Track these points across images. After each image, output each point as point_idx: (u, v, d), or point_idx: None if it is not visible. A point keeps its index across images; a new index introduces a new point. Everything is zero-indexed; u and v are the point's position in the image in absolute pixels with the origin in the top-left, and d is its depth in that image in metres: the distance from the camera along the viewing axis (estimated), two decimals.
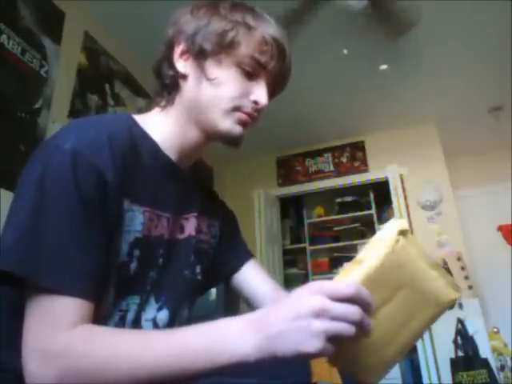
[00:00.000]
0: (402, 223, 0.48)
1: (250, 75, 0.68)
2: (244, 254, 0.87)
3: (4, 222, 0.55)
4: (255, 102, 0.68)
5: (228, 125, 0.67)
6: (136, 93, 2.61)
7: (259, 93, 0.68)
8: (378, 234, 0.50)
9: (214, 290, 2.50)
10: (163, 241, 0.68)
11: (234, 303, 2.83)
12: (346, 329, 0.45)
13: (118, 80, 2.55)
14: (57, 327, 0.50)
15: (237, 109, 0.67)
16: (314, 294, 0.46)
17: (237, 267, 0.84)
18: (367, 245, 0.51)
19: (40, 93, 1.98)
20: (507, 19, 2.51)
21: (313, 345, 0.44)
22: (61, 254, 0.52)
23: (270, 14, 0.71)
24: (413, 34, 2.60)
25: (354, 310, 0.45)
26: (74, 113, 2.14)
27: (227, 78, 0.66)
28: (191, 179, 0.78)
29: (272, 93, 0.72)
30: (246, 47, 0.66)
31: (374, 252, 0.49)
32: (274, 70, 0.69)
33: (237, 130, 0.68)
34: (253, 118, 0.69)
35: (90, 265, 0.54)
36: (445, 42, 2.72)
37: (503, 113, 3.51)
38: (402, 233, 0.48)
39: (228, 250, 0.85)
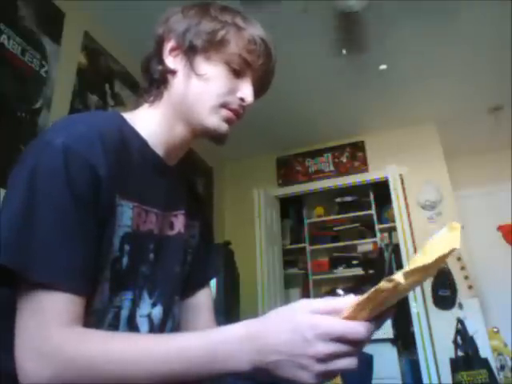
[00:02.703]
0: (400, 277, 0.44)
1: (237, 73, 0.70)
2: (211, 272, 0.88)
3: None
4: (241, 99, 0.71)
5: (215, 122, 0.70)
6: (136, 93, 2.60)
7: (246, 90, 0.71)
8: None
9: (213, 290, 2.50)
10: (152, 236, 0.69)
11: (234, 302, 2.83)
12: (346, 365, 0.46)
13: (118, 80, 2.55)
14: (49, 324, 0.50)
15: (223, 105, 0.69)
16: (321, 340, 0.45)
17: (201, 284, 0.83)
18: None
19: (40, 93, 1.98)
20: (507, 19, 2.51)
21: (310, 380, 0.46)
22: (52, 249, 0.52)
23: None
24: (413, 34, 2.61)
25: (357, 350, 0.46)
26: (73, 113, 2.14)
27: (216, 74, 0.69)
28: (178, 176, 0.79)
29: (256, 92, 0.74)
30: (235, 46, 0.68)
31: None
32: (260, 69, 0.72)
33: (223, 127, 0.70)
34: (238, 115, 0.72)
35: (81, 261, 0.54)
36: (444, 42, 2.72)
37: (503, 113, 3.51)
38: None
39: (199, 261, 0.85)
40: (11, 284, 0.53)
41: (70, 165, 0.54)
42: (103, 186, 0.57)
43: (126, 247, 0.63)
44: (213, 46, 0.68)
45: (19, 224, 0.52)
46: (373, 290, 0.45)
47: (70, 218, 0.53)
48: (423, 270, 0.44)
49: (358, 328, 0.46)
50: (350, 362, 0.46)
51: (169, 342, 0.51)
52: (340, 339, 0.45)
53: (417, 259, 0.47)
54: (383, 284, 0.45)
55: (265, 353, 0.47)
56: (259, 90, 0.76)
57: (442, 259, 0.45)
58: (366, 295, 0.46)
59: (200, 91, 0.68)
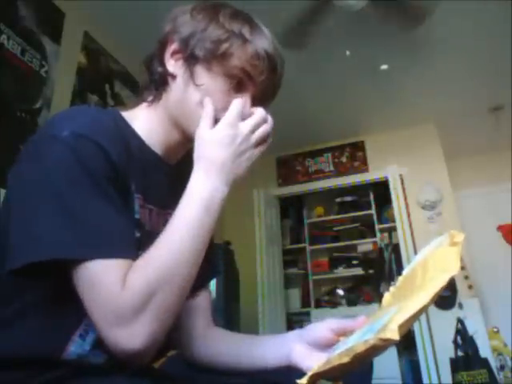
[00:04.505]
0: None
1: (238, 87, 0.67)
2: (211, 272, 0.86)
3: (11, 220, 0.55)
4: None
5: None
6: (136, 93, 2.61)
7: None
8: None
9: (213, 290, 2.50)
10: (145, 231, 0.68)
11: (234, 302, 2.83)
12: (266, 128, 0.65)
13: (118, 80, 2.55)
14: (120, 287, 0.51)
15: (217, 119, 0.67)
16: (236, 123, 0.62)
17: (201, 285, 0.81)
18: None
19: (40, 93, 1.98)
20: (507, 19, 2.51)
21: (260, 150, 0.65)
22: (103, 225, 0.54)
23: (269, 28, 0.70)
24: (413, 34, 2.61)
25: (259, 116, 0.64)
26: None
27: (214, 86, 0.66)
28: (179, 176, 0.77)
29: (258, 105, 0.71)
30: (238, 59, 0.65)
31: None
32: (262, 83, 0.69)
33: None
34: None
35: (128, 229, 0.58)
36: (445, 42, 2.72)
37: (503, 113, 3.51)
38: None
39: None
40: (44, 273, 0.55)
41: (85, 150, 0.54)
42: (118, 169, 0.58)
43: (136, 233, 0.63)
44: (214, 57, 0.66)
45: (61, 218, 0.52)
46: (363, 348, 0.44)
47: (105, 196, 0.55)
48: (419, 312, 0.43)
49: (238, 102, 0.64)
50: (266, 126, 0.64)
51: (173, 221, 0.59)
52: (241, 117, 0.63)
53: (410, 280, 0.46)
54: (377, 342, 0.42)
55: (222, 168, 0.61)
56: (261, 103, 0.73)
57: (439, 293, 0.44)
58: (356, 351, 0.44)
59: (195, 102, 0.66)
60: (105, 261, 0.52)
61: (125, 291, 0.51)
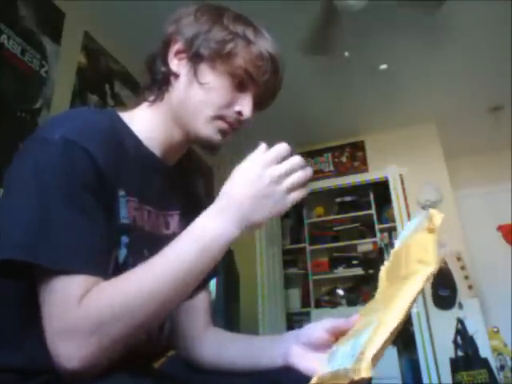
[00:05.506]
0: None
1: (240, 86, 0.69)
2: (211, 272, 0.85)
3: None
4: (239, 113, 0.70)
5: (209, 132, 0.69)
6: (136, 93, 2.60)
7: (245, 105, 0.70)
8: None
9: (213, 290, 2.50)
10: (144, 233, 0.68)
11: (234, 302, 2.83)
12: (303, 175, 0.57)
13: (118, 80, 2.55)
14: (75, 303, 0.50)
15: (220, 117, 0.68)
16: (268, 167, 0.56)
17: (200, 285, 0.79)
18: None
19: (40, 93, 1.98)
20: (507, 19, 2.51)
21: (285, 202, 0.56)
22: (71, 237, 0.52)
23: (269, 32, 0.72)
24: (413, 34, 2.61)
25: (297, 161, 0.57)
26: None
27: (218, 85, 0.68)
28: (177, 176, 0.78)
29: (258, 106, 0.73)
30: (242, 59, 0.67)
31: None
32: (264, 84, 0.70)
33: (217, 138, 0.70)
34: (233, 128, 0.71)
35: (98, 245, 0.55)
36: (445, 42, 2.72)
37: (503, 113, 3.51)
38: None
39: None
40: (14, 276, 0.54)
41: (71, 157, 0.54)
42: (104, 175, 0.57)
43: (124, 239, 0.63)
44: (219, 56, 0.67)
45: (33, 218, 0.52)
46: (345, 379, 0.46)
47: (81, 206, 0.54)
48: (392, 335, 0.46)
49: (283, 145, 0.57)
50: (303, 174, 0.57)
51: (165, 252, 0.54)
52: (279, 159, 0.56)
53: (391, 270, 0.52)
54: (353, 379, 0.45)
55: (239, 209, 0.55)
56: (262, 103, 0.75)
57: (414, 303, 0.47)
58: (338, 379, 0.47)
59: (199, 100, 0.68)
60: (69, 275, 0.51)
61: (79, 309, 0.50)
